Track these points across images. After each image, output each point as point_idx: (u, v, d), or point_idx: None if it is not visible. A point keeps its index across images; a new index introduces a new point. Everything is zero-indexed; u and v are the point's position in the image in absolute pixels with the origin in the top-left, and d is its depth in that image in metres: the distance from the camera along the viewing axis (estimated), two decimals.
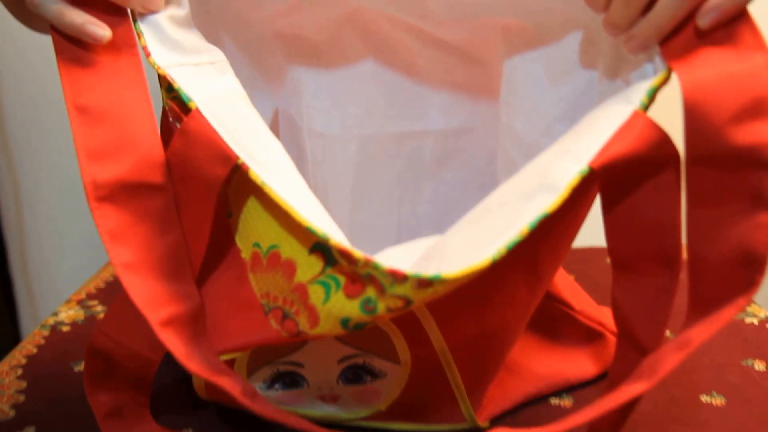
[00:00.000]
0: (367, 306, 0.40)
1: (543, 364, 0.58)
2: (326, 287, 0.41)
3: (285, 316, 0.43)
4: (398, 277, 0.37)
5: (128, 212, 0.43)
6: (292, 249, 0.43)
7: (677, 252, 0.43)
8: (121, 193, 0.43)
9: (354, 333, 0.45)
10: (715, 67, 0.39)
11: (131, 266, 0.42)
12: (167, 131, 0.48)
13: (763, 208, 0.39)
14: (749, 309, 0.73)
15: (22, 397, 0.60)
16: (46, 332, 0.73)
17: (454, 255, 0.41)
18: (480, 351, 0.50)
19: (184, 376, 0.61)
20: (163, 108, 0.48)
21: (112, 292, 0.83)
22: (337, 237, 0.40)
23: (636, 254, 0.45)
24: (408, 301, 0.38)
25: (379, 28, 0.61)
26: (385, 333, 0.49)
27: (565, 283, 0.60)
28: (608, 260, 0.47)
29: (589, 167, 0.40)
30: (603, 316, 0.62)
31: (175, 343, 0.41)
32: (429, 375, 0.50)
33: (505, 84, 0.57)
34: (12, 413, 0.58)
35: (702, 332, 0.38)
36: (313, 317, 0.42)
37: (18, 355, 0.67)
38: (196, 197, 0.44)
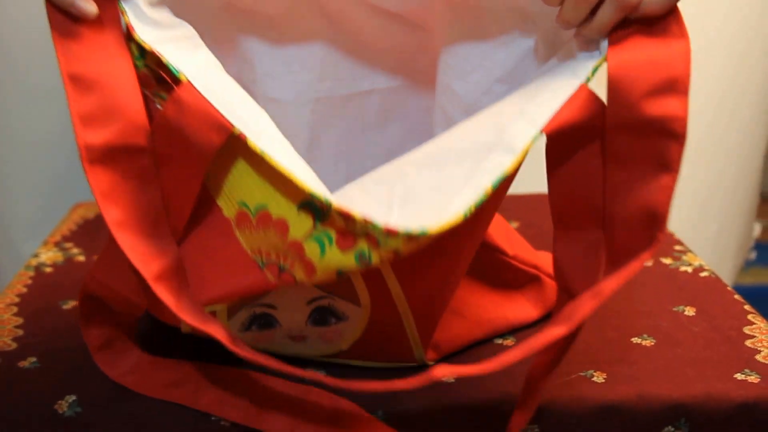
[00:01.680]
0: (362, 259, 0.45)
1: (486, 309, 0.64)
2: (320, 243, 0.47)
3: (281, 270, 0.49)
4: (392, 234, 0.43)
5: (117, 173, 0.48)
6: (280, 208, 0.48)
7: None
8: (110, 156, 0.48)
9: None
10: (640, 50, 0.46)
11: (122, 224, 0.47)
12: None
13: (665, 172, 0.45)
14: (684, 258, 0.80)
15: (20, 332, 0.66)
16: (31, 273, 0.78)
17: (428, 203, 0.46)
18: (431, 296, 0.57)
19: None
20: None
21: (85, 234, 0.89)
22: (335, 199, 0.45)
23: (573, 211, 0.52)
24: (398, 252, 0.44)
25: (329, 1, 0.65)
26: (348, 278, 0.55)
27: (498, 231, 0.65)
28: None
29: (541, 132, 0.47)
30: (538, 259, 0.67)
31: (166, 296, 0.47)
32: (386, 318, 0.57)
33: (445, 47, 0.62)
34: (14, 345, 0.63)
35: (612, 282, 0.44)
36: (310, 269, 0.47)
37: (10, 294, 0.73)
38: (186, 162, 0.49)
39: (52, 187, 1.08)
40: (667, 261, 0.80)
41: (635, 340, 0.64)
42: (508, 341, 0.65)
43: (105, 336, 0.58)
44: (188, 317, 0.46)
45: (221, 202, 0.52)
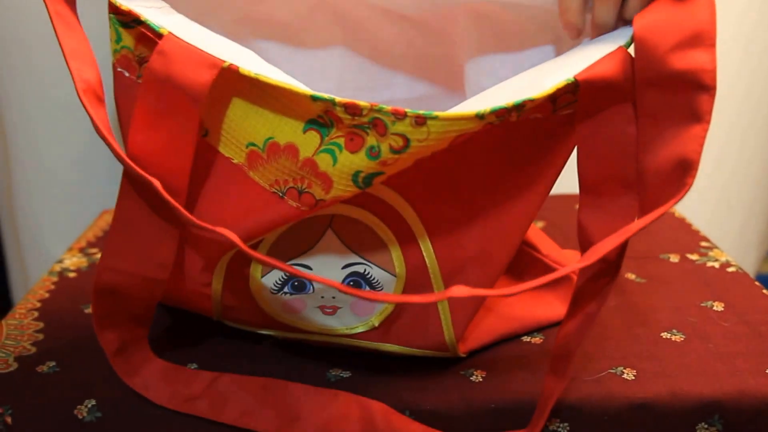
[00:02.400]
0: (372, 152, 0.47)
1: (516, 306, 0.64)
2: (331, 153, 0.48)
3: (300, 193, 0.50)
4: (399, 115, 0.45)
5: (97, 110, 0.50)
6: (286, 134, 0.49)
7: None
8: (92, 94, 0.49)
9: (358, 241, 0.53)
10: (664, 11, 0.47)
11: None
12: (124, 90, 0.54)
13: (696, 122, 0.46)
14: (711, 254, 0.79)
15: (40, 336, 0.65)
16: (54, 278, 0.77)
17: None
18: (468, 277, 0.56)
19: (184, 317, 0.67)
20: (114, 69, 0.53)
21: None
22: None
23: (602, 177, 0.52)
24: (407, 140, 0.46)
25: (346, 9, 0.65)
26: (385, 245, 0.55)
27: (532, 229, 0.66)
28: (577, 206, 0.53)
29: (575, 78, 0.47)
30: (567, 259, 0.67)
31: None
32: (420, 292, 0.56)
33: (468, 50, 0.62)
34: (33, 350, 0.63)
35: (641, 222, 0.45)
36: (327, 183, 0.49)
37: (32, 299, 0.72)
38: (180, 109, 0.49)
39: (83, 195, 1.08)
40: (693, 257, 0.78)
41: (665, 335, 0.63)
42: (537, 339, 0.64)
43: (121, 339, 0.57)
44: (196, 221, 0.48)
45: (228, 151, 0.52)
